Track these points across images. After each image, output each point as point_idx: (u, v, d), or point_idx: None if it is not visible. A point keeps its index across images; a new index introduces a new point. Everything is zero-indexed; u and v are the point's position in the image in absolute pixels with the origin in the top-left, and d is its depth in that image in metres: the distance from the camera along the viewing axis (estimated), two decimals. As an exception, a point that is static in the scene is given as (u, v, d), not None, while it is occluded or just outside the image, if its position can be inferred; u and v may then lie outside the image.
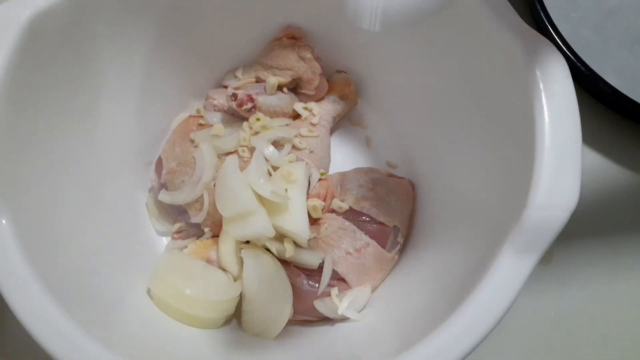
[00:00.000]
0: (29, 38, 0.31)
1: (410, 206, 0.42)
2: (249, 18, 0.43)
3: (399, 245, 0.41)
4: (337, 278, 0.38)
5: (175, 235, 0.42)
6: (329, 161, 0.45)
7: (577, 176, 0.27)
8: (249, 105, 0.43)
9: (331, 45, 0.46)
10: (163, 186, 0.42)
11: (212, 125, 0.44)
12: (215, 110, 0.45)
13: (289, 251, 0.37)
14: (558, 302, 0.42)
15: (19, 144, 0.31)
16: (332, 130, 0.47)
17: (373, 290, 0.40)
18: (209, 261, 0.39)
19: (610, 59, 0.47)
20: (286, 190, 0.38)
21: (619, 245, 0.44)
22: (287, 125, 0.44)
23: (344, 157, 0.47)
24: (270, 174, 0.40)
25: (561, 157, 0.27)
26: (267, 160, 0.40)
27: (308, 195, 0.41)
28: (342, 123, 0.48)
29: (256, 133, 0.42)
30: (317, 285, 0.38)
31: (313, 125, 0.44)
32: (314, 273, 0.38)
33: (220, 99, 0.45)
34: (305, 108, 0.45)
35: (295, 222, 0.37)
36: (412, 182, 0.44)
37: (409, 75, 0.43)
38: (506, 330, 0.41)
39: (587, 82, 0.46)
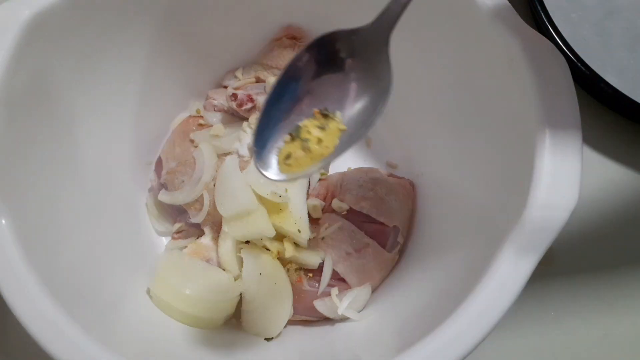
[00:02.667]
0: (29, 38, 0.31)
1: (410, 206, 0.42)
2: (249, 18, 0.43)
3: (399, 245, 0.41)
4: (337, 278, 0.38)
5: (175, 235, 0.42)
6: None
7: (577, 176, 0.27)
8: (249, 105, 0.43)
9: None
10: (163, 186, 0.42)
11: (212, 125, 0.44)
12: (215, 110, 0.45)
13: (288, 251, 0.37)
14: (558, 302, 0.42)
15: (19, 144, 0.31)
16: (332, 130, 0.47)
17: (373, 290, 0.40)
18: (208, 261, 0.39)
19: (611, 59, 0.47)
20: (286, 190, 0.38)
21: (619, 244, 0.44)
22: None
23: (344, 157, 0.46)
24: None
25: (561, 157, 0.27)
26: (267, 160, 0.40)
27: (308, 195, 0.41)
28: (342, 123, 0.48)
29: (256, 133, 0.42)
30: (317, 285, 0.38)
31: (313, 125, 0.44)
32: (314, 273, 0.38)
33: (220, 99, 0.45)
34: (305, 108, 0.45)
35: (295, 222, 0.37)
36: (412, 182, 0.44)
37: (409, 75, 0.42)
38: (506, 330, 0.41)
39: (587, 82, 0.46)
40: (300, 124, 0.29)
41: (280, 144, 0.29)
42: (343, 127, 0.29)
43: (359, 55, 0.29)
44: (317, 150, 0.28)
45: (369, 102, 0.29)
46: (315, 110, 0.29)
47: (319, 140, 0.28)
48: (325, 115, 0.29)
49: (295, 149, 0.28)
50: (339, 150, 0.29)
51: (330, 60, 0.29)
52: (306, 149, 0.28)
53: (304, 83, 0.29)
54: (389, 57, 0.29)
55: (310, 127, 0.29)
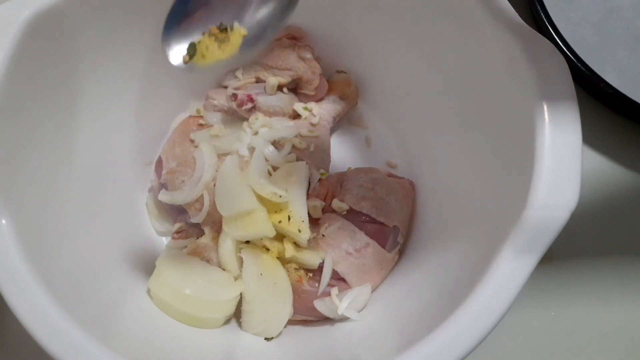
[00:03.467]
0: (29, 38, 0.31)
1: (410, 206, 0.42)
2: (249, 18, 0.43)
3: (399, 245, 0.41)
4: (337, 278, 0.38)
5: (175, 235, 0.42)
6: (329, 161, 0.45)
7: (577, 176, 0.27)
8: (249, 105, 0.43)
9: (331, 45, 0.46)
10: (163, 186, 0.42)
11: (212, 126, 0.44)
12: (215, 110, 0.45)
13: (289, 251, 0.37)
14: (558, 301, 0.42)
15: (19, 143, 0.31)
16: (332, 130, 0.47)
17: (373, 290, 0.40)
18: (208, 261, 0.39)
19: (610, 59, 0.47)
20: (286, 190, 0.38)
21: (619, 244, 0.44)
22: (287, 125, 0.44)
23: (344, 157, 0.47)
24: (270, 174, 0.40)
25: (561, 157, 0.27)
26: (267, 160, 0.40)
27: (308, 195, 0.41)
28: (342, 123, 0.48)
29: (256, 133, 0.42)
30: (317, 285, 0.38)
31: (313, 125, 0.44)
32: (314, 273, 0.39)
33: (220, 99, 0.45)
34: (305, 108, 0.45)
35: (295, 222, 0.37)
36: (412, 182, 0.44)
37: (409, 75, 0.43)
38: (506, 330, 0.41)
39: (587, 82, 0.46)
40: (196, 40, 0.29)
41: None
42: (244, 32, 0.29)
43: None
44: (217, 56, 0.29)
45: (275, 7, 0.29)
46: (212, 27, 0.29)
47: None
48: (224, 30, 0.30)
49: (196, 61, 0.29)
50: (244, 48, 0.29)
51: None
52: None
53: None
54: None
55: (207, 42, 0.29)
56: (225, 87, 0.46)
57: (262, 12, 0.30)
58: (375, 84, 0.47)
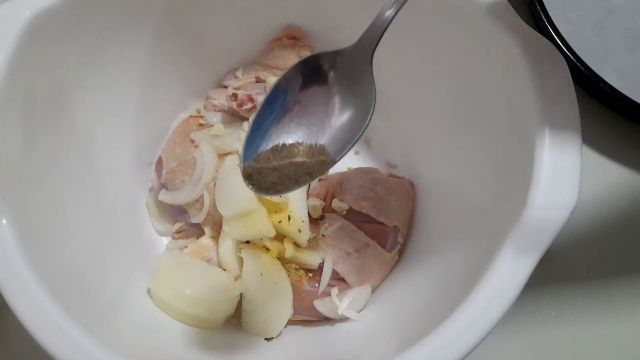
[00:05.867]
0: (30, 38, 0.31)
1: (410, 206, 0.42)
2: (249, 18, 0.43)
3: (398, 245, 0.41)
4: (337, 278, 0.38)
5: (176, 235, 0.42)
6: (329, 161, 0.45)
7: (577, 176, 0.27)
8: (249, 105, 0.43)
9: (331, 45, 0.45)
10: (163, 186, 0.42)
11: (212, 125, 0.44)
12: (215, 110, 0.45)
13: (289, 251, 0.37)
14: (558, 301, 0.42)
15: (19, 143, 0.31)
16: (332, 130, 0.47)
17: (373, 290, 0.40)
18: (209, 261, 0.39)
19: (610, 59, 0.47)
20: (286, 190, 0.38)
21: (619, 244, 0.44)
22: (287, 125, 0.44)
23: (344, 157, 0.47)
24: (270, 174, 0.40)
25: (561, 157, 0.27)
26: (267, 160, 0.40)
27: (308, 195, 0.41)
28: (342, 123, 0.48)
29: (256, 133, 0.42)
30: (317, 285, 0.38)
31: (313, 125, 0.44)
32: (314, 273, 0.39)
33: (221, 99, 0.45)
34: (305, 108, 0.45)
35: (295, 222, 0.38)
36: (412, 182, 0.44)
37: (409, 75, 0.43)
38: (506, 330, 0.41)
39: (587, 82, 0.46)
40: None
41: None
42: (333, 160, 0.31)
43: (343, 74, 0.31)
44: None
45: (353, 119, 0.30)
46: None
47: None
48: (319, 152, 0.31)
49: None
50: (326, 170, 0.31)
51: (316, 80, 0.31)
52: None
53: (292, 97, 0.30)
54: (372, 76, 0.30)
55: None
56: (225, 87, 0.46)
57: (342, 123, 0.31)
58: (375, 84, 0.47)
